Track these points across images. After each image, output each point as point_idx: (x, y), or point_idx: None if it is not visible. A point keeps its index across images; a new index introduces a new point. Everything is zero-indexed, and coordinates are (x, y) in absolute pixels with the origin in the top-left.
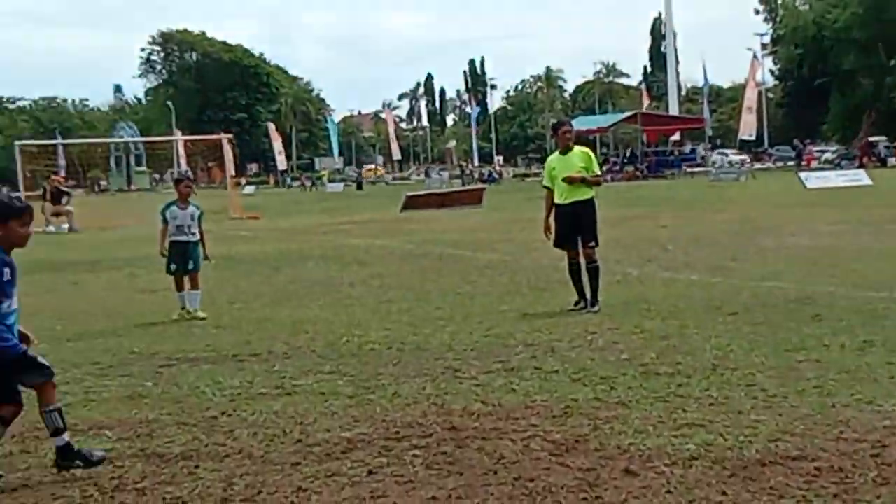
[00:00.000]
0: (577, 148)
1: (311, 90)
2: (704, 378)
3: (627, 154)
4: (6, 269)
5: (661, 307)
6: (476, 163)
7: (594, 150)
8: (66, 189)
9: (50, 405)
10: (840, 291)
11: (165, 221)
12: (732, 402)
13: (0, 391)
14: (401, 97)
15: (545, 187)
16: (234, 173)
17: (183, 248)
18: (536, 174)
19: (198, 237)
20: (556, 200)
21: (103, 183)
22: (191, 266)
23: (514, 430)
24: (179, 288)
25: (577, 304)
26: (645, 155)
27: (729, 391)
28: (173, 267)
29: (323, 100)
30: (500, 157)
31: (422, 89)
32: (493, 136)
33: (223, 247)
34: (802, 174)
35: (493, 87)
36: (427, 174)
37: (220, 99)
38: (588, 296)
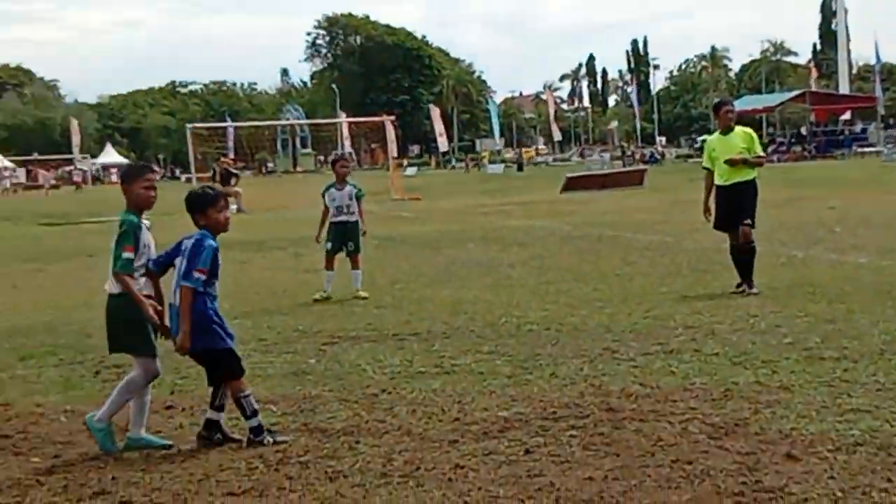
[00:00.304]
0: (738, 128)
1: (473, 72)
2: (872, 363)
3: (795, 134)
4: (218, 254)
5: (827, 290)
6: (638, 144)
7: (760, 130)
8: (234, 171)
9: (243, 391)
10: None
11: (326, 205)
12: None
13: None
14: (562, 78)
15: (705, 168)
16: (395, 155)
17: (342, 229)
18: (700, 155)
19: (357, 217)
20: (717, 182)
21: (270, 165)
22: (350, 247)
23: (673, 412)
24: (328, 267)
25: (738, 286)
26: (813, 135)
27: None
28: (330, 246)
29: (484, 81)
30: (663, 138)
31: (583, 70)
32: (655, 116)
33: (385, 228)
34: None
35: (655, 67)
36: (581, 155)
37: (383, 81)
38: (744, 277)
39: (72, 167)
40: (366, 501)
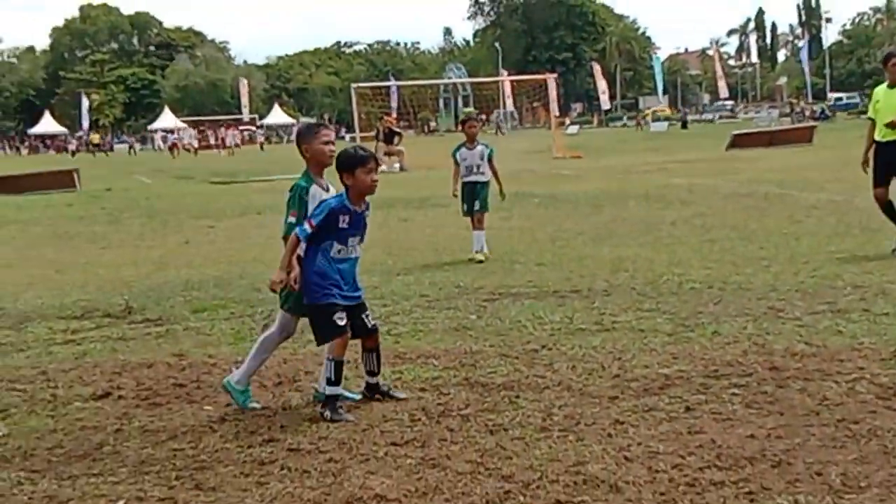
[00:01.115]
0: None
1: (637, 28)
2: None
3: None
4: (344, 217)
5: None
6: (808, 100)
7: None
8: (397, 130)
9: (333, 356)
10: None
11: (457, 163)
12: None
13: (356, 328)
14: (729, 33)
15: (869, 118)
16: (557, 113)
17: (471, 189)
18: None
19: (487, 177)
20: (876, 136)
21: (432, 124)
22: (476, 206)
23: (839, 372)
24: (475, 228)
25: None
26: None
27: None
28: (465, 207)
29: (648, 38)
30: (835, 95)
31: (752, 24)
32: (826, 72)
33: (546, 186)
34: None
35: (828, 20)
36: (731, 111)
37: (545, 39)
38: None
39: (252, 128)
40: (525, 454)
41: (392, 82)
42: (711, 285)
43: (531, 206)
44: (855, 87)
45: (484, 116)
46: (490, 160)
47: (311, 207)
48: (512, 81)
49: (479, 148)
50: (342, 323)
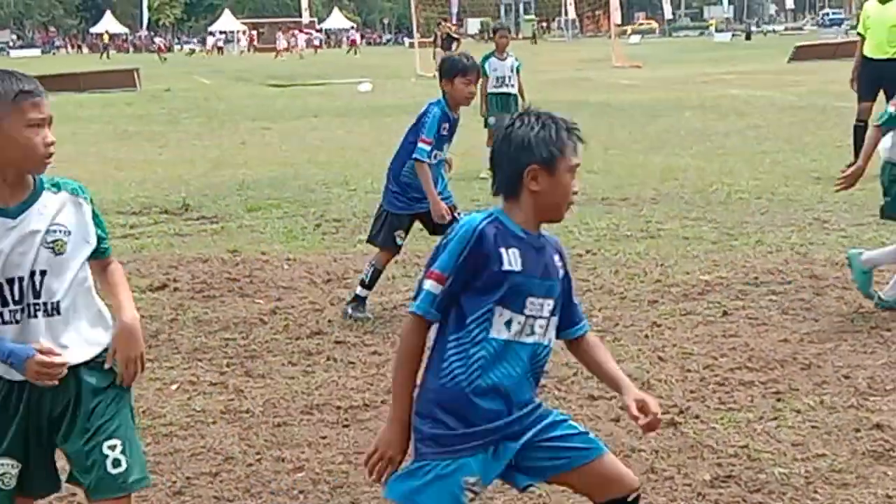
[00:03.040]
0: None
1: None
2: None
3: None
4: (446, 125)
5: None
6: None
7: None
8: (456, 35)
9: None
10: None
11: (486, 74)
12: None
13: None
14: None
15: (859, 34)
16: (618, 22)
17: (504, 100)
18: None
19: (516, 89)
20: (866, 52)
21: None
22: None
23: (878, 281)
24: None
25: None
26: None
27: None
28: (492, 120)
29: None
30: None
31: None
32: None
33: (602, 95)
34: None
35: None
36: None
37: None
38: None
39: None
40: (563, 353)
41: None
42: (759, 196)
43: (586, 116)
44: None
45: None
46: (518, 72)
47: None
48: None
49: (510, 60)
50: (399, 242)
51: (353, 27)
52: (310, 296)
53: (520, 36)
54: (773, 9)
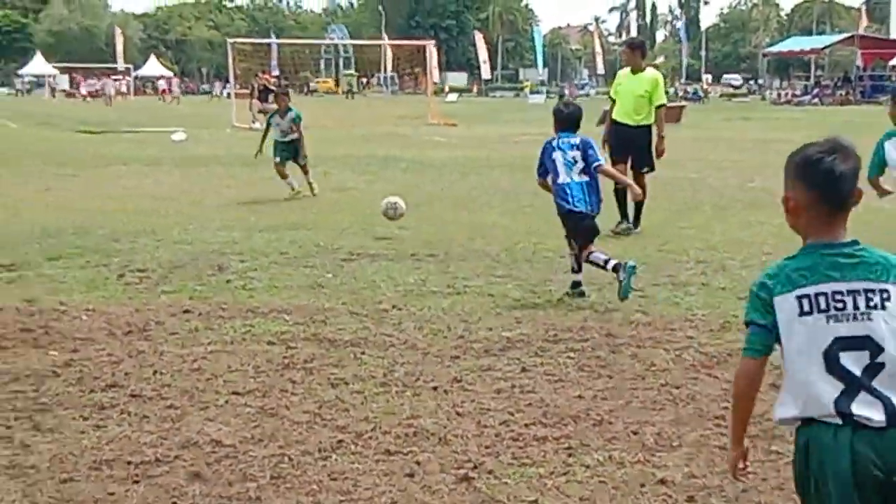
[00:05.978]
0: (649, 71)
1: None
2: None
3: (841, 77)
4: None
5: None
6: (682, 80)
7: (808, 71)
8: (273, 88)
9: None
10: None
11: (270, 126)
12: None
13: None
14: (611, 10)
15: (610, 98)
16: (436, 80)
17: (283, 146)
18: (744, 94)
19: (296, 136)
20: (615, 116)
21: (312, 84)
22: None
23: (670, 340)
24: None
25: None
26: (860, 79)
27: None
28: (278, 159)
29: (532, 10)
30: (709, 76)
31: (633, 3)
32: (703, 53)
33: (415, 151)
34: None
35: (706, 2)
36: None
37: (429, 4)
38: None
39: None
40: (363, 407)
41: (272, 39)
42: (563, 255)
43: (398, 171)
44: (731, 70)
45: (364, 79)
46: (297, 123)
47: None
48: (393, 46)
49: (290, 114)
50: None
51: (172, 76)
52: (108, 347)
53: (339, 91)
54: (585, 73)
